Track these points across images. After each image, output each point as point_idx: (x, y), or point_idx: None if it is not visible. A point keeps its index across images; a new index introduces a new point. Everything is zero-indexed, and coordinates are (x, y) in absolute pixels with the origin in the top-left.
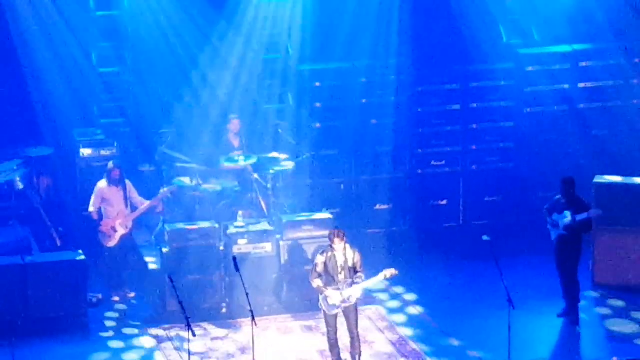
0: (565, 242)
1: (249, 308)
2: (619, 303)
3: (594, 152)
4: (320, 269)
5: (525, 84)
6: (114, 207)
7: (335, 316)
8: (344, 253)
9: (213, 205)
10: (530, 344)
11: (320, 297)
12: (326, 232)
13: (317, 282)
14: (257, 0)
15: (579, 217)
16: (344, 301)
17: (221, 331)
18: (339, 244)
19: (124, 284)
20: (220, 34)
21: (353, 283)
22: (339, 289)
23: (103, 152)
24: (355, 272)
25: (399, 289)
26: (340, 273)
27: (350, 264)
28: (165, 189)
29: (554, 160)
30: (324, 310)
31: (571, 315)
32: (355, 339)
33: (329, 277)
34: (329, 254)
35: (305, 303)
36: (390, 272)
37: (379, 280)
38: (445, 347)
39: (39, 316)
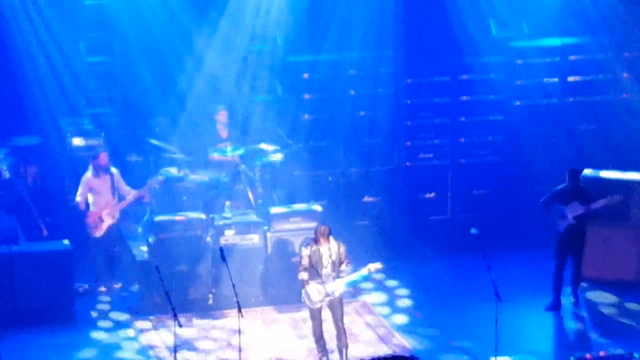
0: (575, 232)
1: (235, 299)
2: (607, 296)
3: (582, 146)
4: (305, 262)
5: (514, 77)
6: (101, 197)
7: (320, 309)
8: (329, 247)
9: (200, 196)
10: (517, 337)
11: (303, 291)
12: (314, 224)
13: (302, 275)
14: None
15: (595, 206)
16: (327, 295)
17: (207, 322)
18: (324, 237)
19: (111, 274)
20: (209, 25)
21: (337, 277)
22: (323, 282)
23: (90, 142)
24: (340, 264)
25: (386, 282)
26: (326, 267)
27: (334, 257)
28: (153, 180)
29: (543, 153)
30: (307, 304)
31: (574, 299)
32: (341, 332)
33: (314, 271)
34: (314, 247)
35: (292, 295)
36: (374, 266)
37: (362, 275)
38: (432, 340)
39: (26, 306)
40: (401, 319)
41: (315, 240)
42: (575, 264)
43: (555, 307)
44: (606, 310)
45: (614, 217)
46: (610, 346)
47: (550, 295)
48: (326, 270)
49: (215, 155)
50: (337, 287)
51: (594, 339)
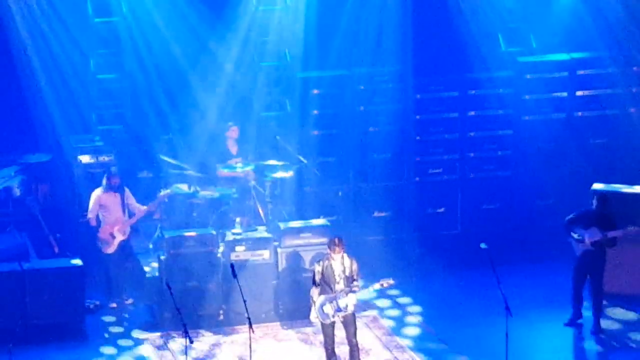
0: (591, 257)
1: (246, 315)
2: (619, 311)
3: (591, 160)
4: (317, 277)
5: (523, 92)
6: (111, 214)
7: (333, 325)
8: (342, 262)
9: (211, 212)
10: (528, 352)
11: (315, 306)
12: (324, 240)
13: (312, 292)
14: (256, 7)
15: (611, 234)
16: (339, 310)
17: (218, 338)
18: (337, 254)
19: (122, 290)
20: (218, 41)
21: (350, 292)
22: (335, 297)
23: (101, 159)
24: (353, 280)
25: (396, 296)
26: (338, 282)
27: (347, 273)
28: (162, 194)
29: (552, 168)
30: (319, 319)
31: (595, 326)
32: (354, 348)
33: (326, 286)
34: (326, 262)
35: (302, 310)
36: (386, 281)
37: (375, 290)
38: (442, 355)
39: (37, 323)
40: (412, 333)
41: (330, 251)
42: (594, 287)
43: (573, 322)
44: (617, 325)
45: None
46: None
47: (560, 310)
48: (338, 285)
49: (224, 172)
50: (350, 302)
51: (604, 355)
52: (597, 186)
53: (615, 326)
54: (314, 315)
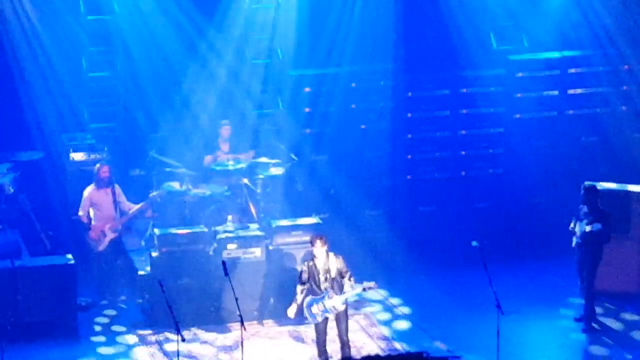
0: (582, 251)
1: (238, 313)
2: (610, 308)
3: (583, 159)
4: (304, 276)
5: (514, 90)
6: (102, 212)
7: (325, 322)
8: (326, 261)
9: (202, 209)
10: (519, 350)
11: (297, 303)
12: None
13: (297, 288)
14: (248, 5)
15: (591, 228)
16: (325, 310)
17: (210, 335)
18: (320, 248)
19: (114, 288)
20: (210, 39)
21: (340, 292)
22: (322, 297)
23: (93, 157)
24: (342, 277)
25: (388, 295)
26: (324, 282)
27: (334, 273)
28: (154, 193)
29: (543, 166)
30: (308, 319)
31: (585, 318)
32: (345, 345)
33: (313, 285)
34: (311, 262)
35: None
36: (368, 284)
37: (356, 292)
38: (434, 352)
39: (29, 320)
40: (404, 331)
41: (312, 246)
42: (586, 280)
43: (583, 317)
44: (607, 322)
45: (614, 229)
46: (609, 357)
47: (551, 307)
48: (324, 285)
49: (216, 168)
50: (336, 303)
51: (593, 350)
52: (587, 185)
53: (608, 323)
54: (292, 311)
